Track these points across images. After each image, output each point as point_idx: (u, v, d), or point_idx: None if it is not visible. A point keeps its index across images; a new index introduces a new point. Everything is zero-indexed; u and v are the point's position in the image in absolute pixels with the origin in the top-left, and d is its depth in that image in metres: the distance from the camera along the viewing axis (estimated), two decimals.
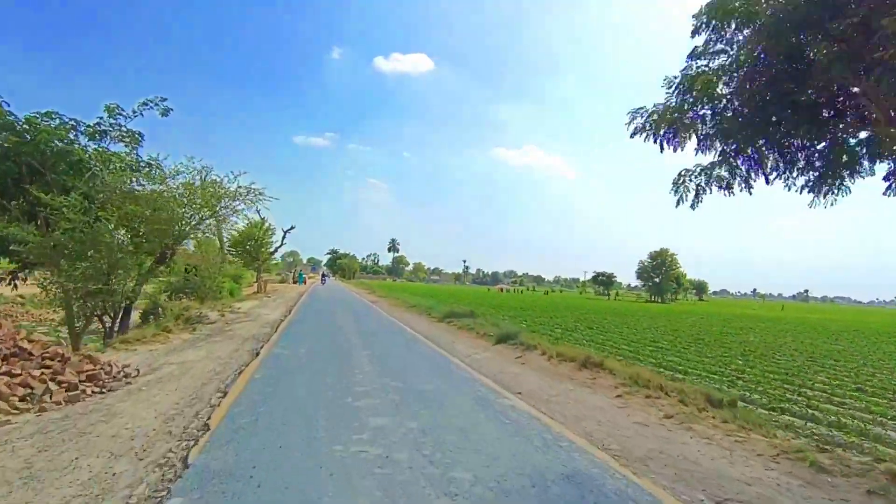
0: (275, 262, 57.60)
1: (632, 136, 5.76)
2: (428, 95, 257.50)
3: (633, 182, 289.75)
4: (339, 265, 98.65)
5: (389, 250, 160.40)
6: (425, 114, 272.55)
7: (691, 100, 5.39)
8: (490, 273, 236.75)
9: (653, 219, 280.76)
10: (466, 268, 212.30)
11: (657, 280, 79.16)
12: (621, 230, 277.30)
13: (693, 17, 5.22)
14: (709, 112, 5.49)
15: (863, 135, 5.11)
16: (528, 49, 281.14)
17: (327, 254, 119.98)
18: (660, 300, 79.31)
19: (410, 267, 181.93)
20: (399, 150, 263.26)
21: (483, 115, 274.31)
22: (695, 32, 5.27)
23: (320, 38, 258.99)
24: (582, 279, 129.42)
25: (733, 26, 4.98)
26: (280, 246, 51.28)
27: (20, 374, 5.56)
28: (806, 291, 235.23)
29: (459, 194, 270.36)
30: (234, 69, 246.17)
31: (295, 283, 51.23)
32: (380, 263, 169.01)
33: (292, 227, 52.16)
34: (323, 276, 77.92)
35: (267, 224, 50.19)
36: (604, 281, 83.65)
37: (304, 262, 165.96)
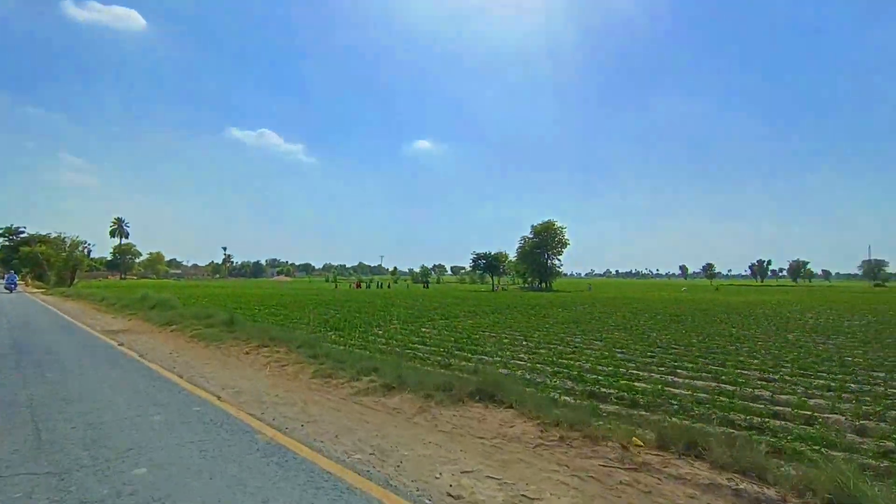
0: None
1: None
2: (142, 61, 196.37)
3: (374, 166, 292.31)
4: (26, 257, 51.11)
5: (113, 235, 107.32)
6: (141, 82, 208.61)
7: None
8: (251, 263, 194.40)
9: (400, 201, 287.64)
10: (229, 256, 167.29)
11: (543, 260, 63.53)
12: (370, 215, 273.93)
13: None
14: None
15: None
16: (266, 31, 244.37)
17: None
18: (545, 286, 64.09)
19: (145, 257, 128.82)
20: (106, 121, 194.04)
21: (213, 92, 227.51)
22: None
23: None
24: (345, 265, 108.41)
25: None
26: None
27: None
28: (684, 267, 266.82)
29: (196, 177, 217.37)
30: None
31: None
32: (92, 256, 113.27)
33: None
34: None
35: None
36: (490, 265, 63.35)
37: None
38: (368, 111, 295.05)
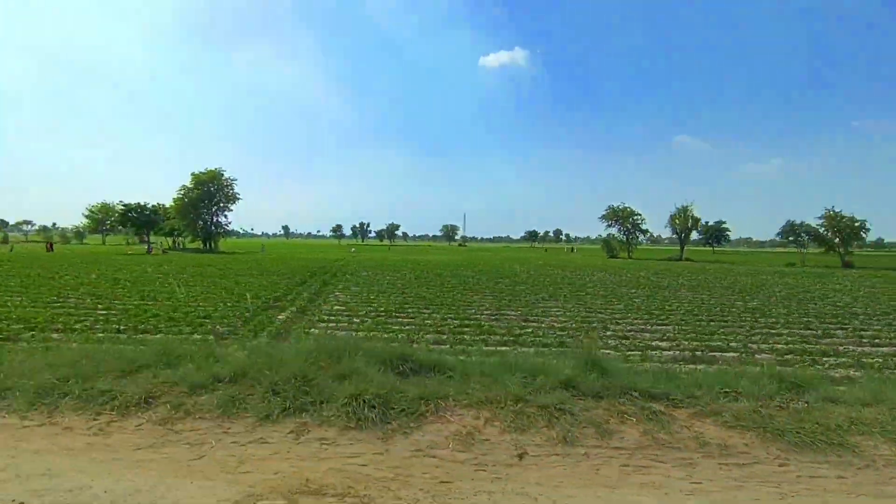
0: None
1: None
2: None
3: None
4: None
5: None
6: None
7: None
8: None
9: None
10: None
11: (208, 217, 53.29)
12: None
13: None
14: None
15: None
16: None
17: None
18: (211, 247, 53.78)
19: None
20: None
21: None
22: None
23: None
24: None
25: None
26: None
27: None
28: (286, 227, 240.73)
29: None
30: None
31: None
32: None
33: None
34: None
35: None
36: (149, 220, 45.61)
37: None
38: None
